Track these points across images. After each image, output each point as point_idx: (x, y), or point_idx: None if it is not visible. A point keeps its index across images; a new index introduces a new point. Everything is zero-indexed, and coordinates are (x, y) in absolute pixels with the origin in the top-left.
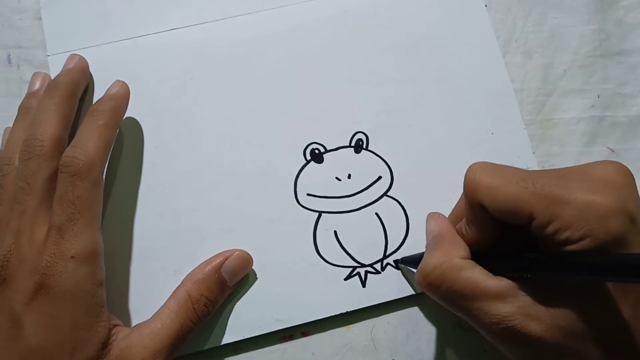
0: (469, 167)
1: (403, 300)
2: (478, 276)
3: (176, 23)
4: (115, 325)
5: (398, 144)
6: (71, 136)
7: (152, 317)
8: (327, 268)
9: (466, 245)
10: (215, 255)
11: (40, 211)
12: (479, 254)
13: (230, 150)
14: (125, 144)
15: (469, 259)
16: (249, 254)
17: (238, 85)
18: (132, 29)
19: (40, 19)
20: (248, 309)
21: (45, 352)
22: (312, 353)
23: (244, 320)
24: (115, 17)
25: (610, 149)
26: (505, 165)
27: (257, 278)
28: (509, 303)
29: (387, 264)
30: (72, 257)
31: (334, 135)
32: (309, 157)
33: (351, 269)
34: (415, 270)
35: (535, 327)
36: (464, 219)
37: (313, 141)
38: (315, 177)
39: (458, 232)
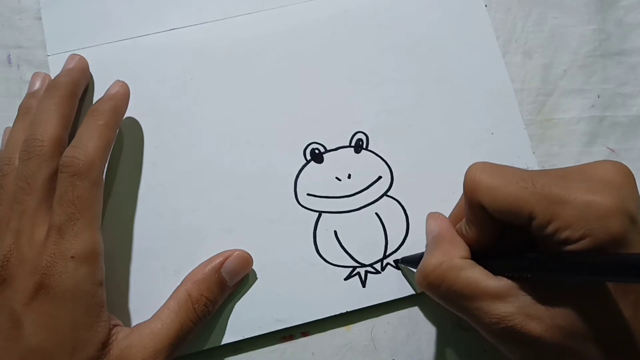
0: (469, 167)
1: (403, 300)
2: (478, 276)
3: (176, 23)
4: (115, 325)
5: (398, 144)
6: (71, 136)
7: (152, 317)
8: (327, 268)
9: (466, 245)
10: (215, 255)
11: (40, 211)
12: (479, 254)
13: (230, 150)
14: (125, 144)
15: (469, 258)
16: (249, 254)
17: (238, 85)
18: (132, 29)
19: (40, 19)
20: (248, 309)
21: (45, 352)
22: (312, 353)
23: (244, 320)
24: (115, 17)
25: (610, 149)
26: (505, 165)
27: (257, 278)
28: (509, 303)
29: (387, 263)
30: (72, 257)
31: (334, 135)
32: (309, 157)
33: (351, 269)
34: (415, 270)
35: (535, 327)
36: (464, 219)
37: (313, 141)
38: (315, 177)
39: (458, 232)
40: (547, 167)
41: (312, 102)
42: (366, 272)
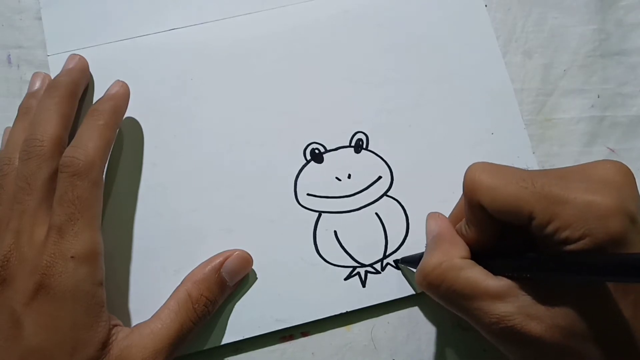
0: (469, 167)
1: (403, 300)
2: (478, 276)
3: (176, 23)
4: (115, 325)
5: (398, 144)
6: (71, 136)
7: (152, 317)
8: (327, 268)
9: (466, 245)
10: (215, 255)
11: (40, 211)
12: (479, 254)
13: (230, 150)
14: (125, 144)
15: (469, 258)
16: (249, 254)
17: (238, 85)
18: (132, 29)
19: (40, 19)
20: (248, 309)
21: (45, 352)
22: (312, 353)
23: (244, 320)
24: (115, 17)
25: (610, 149)
26: (505, 165)
27: (257, 278)
28: (509, 303)
29: (387, 263)
30: (72, 257)
31: (334, 135)
32: (309, 157)
33: (351, 269)
34: (415, 270)
35: (535, 327)
36: (463, 219)
37: (313, 141)
38: (315, 177)
39: (458, 232)
40: (547, 167)
41: (312, 102)
42: (366, 272)
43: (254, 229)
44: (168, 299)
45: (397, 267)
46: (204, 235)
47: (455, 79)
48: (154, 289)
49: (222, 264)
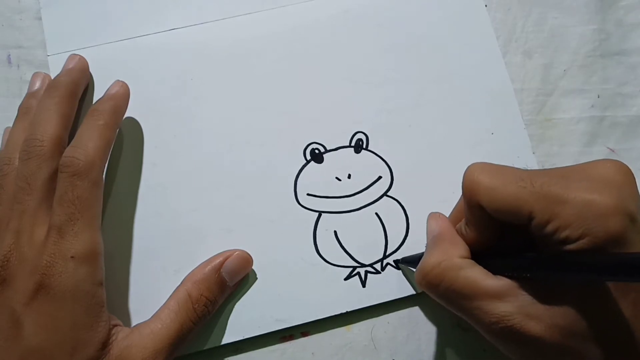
0: (467, 167)
1: (403, 300)
2: (477, 275)
3: (176, 23)
4: (115, 325)
5: (398, 144)
6: (71, 136)
7: (152, 317)
8: (327, 268)
9: (466, 245)
10: (215, 255)
11: (40, 211)
12: (479, 254)
13: (230, 150)
14: (125, 144)
15: (468, 258)
16: (249, 254)
17: (238, 85)
18: (132, 29)
19: (40, 19)
20: (248, 309)
21: (45, 352)
22: (312, 353)
23: (244, 320)
24: (115, 17)
25: (610, 149)
26: (504, 165)
27: (257, 278)
28: (508, 302)
29: (387, 263)
30: (72, 257)
31: (334, 135)
32: (309, 157)
33: (351, 269)
34: (415, 270)
35: (534, 327)
36: (463, 219)
37: (313, 141)
38: (315, 177)
39: (458, 232)
40: (547, 167)
41: (312, 102)
42: (366, 272)
43: (254, 229)
44: (168, 299)
45: (397, 267)
46: (204, 235)
47: (455, 79)
48: (154, 289)
49: (222, 264)
